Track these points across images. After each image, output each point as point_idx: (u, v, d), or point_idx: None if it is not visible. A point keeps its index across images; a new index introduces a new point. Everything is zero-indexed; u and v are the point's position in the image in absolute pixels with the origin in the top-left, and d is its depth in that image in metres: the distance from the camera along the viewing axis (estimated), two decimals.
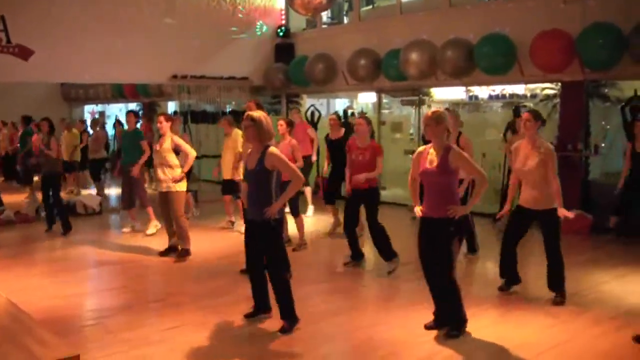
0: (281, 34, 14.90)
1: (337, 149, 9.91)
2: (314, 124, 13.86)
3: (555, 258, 6.54)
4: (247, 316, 6.06)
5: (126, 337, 5.72)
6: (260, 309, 6.07)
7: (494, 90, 13.70)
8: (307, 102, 15.58)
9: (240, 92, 15.69)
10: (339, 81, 13.62)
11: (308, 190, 12.02)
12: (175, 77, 13.58)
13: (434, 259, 5.55)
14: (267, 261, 5.81)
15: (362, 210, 8.02)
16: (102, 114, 22.22)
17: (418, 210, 5.70)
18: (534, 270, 7.45)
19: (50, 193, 10.25)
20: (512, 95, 13.24)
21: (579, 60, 9.75)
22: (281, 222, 5.76)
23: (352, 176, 7.75)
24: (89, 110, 23.34)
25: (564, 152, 10.03)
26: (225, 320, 6.07)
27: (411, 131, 13.17)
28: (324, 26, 15.13)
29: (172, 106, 19.63)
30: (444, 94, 14.62)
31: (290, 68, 14.36)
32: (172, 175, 8.45)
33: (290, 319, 5.79)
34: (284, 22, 15.05)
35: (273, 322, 5.96)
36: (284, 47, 14.89)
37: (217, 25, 13.90)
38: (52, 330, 5.65)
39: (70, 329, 6.01)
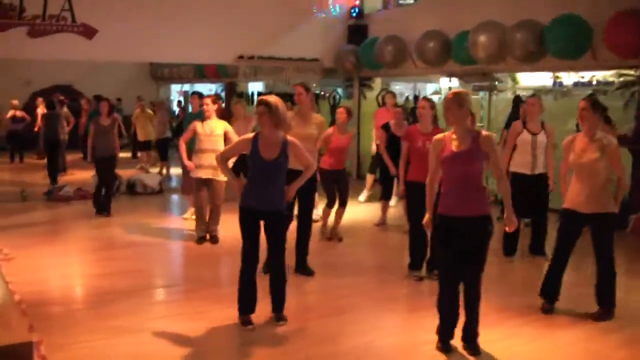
0: (354, 14, 14.38)
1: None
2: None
3: (608, 271, 5.71)
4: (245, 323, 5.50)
5: (114, 324, 5.56)
6: (253, 311, 5.61)
7: (582, 77, 12.64)
8: (382, 85, 15.01)
9: (312, 74, 15.38)
10: (409, 64, 12.96)
11: (370, 177, 11.62)
12: (241, 57, 13.38)
13: (467, 265, 4.85)
14: (273, 252, 5.53)
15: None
16: (186, 93, 22.50)
17: (428, 219, 5.04)
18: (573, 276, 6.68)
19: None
20: (598, 82, 12.16)
21: None
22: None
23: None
24: (177, 90, 23.75)
25: None
26: (224, 312, 5.73)
27: (481, 120, 12.31)
28: (401, 3, 14.48)
29: (252, 87, 19.62)
30: (530, 80, 13.70)
31: (361, 50, 13.82)
32: None
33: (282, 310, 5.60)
34: (357, 2, 14.52)
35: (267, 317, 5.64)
36: (356, 29, 14.37)
37: (286, 4, 13.53)
38: (43, 312, 5.73)
39: (62, 312, 5.91)
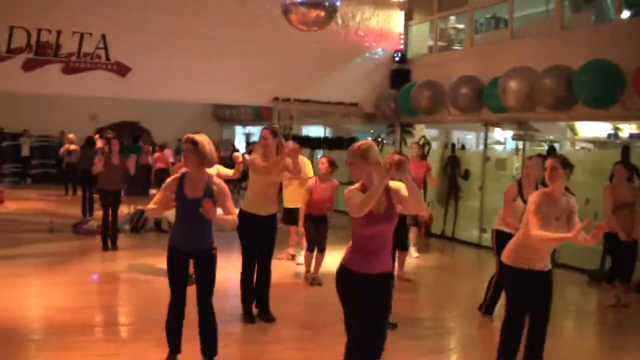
0: (397, 58, 14.12)
1: None
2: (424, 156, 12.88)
3: None
4: None
5: (50, 356, 5.43)
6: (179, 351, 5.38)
7: None
8: (425, 132, 14.57)
9: (355, 119, 15.21)
10: (445, 111, 12.52)
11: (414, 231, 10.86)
12: (276, 99, 13.33)
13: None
14: (202, 292, 5.29)
15: None
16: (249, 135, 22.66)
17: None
18: None
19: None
20: None
21: None
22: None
23: None
24: (244, 132, 24.01)
25: None
26: (161, 355, 5.47)
27: (514, 171, 11.64)
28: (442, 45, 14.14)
29: (310, 130, 19.54)
30: (589, 131, 12.98)
31: (399, 95, 13.51)
32: None
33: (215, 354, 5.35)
34: (402, 46, 14.26)
35: None
36: (399, 73, 14.09)
37: (326, 48, 13.42)
38: None
39: (6, 342, 5.83)
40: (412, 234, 10.41)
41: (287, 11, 7.18)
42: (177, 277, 5.26)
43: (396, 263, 8.06)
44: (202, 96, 12.98)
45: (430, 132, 15.19)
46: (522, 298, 5.13)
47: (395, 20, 14.27)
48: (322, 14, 7.01)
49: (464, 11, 13.31)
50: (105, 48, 11.76)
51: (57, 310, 6.94)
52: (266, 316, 6.70)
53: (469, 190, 12.61)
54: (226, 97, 13.44)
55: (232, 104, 16.19)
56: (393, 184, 4.44)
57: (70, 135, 17.14)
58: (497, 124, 12.15)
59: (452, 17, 14.17)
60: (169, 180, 5.37)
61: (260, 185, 6.69)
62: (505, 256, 5.22)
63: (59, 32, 11.38)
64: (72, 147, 16.71)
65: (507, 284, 5.42)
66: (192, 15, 12.24)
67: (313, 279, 8.53)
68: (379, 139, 15.51)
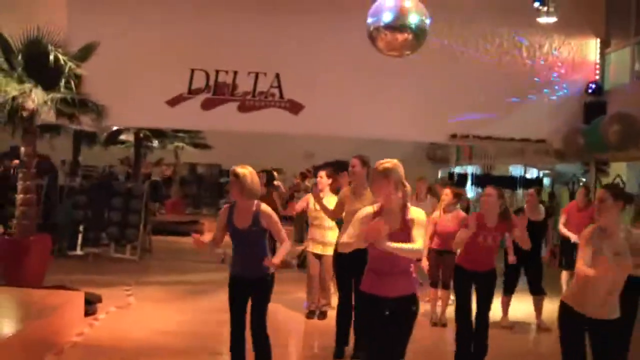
0: (591, 90, 12.75)
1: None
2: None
3: None
4: None
5: None
6: None
7: None
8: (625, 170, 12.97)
9: (548, 157, 14.03)
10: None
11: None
12: (454, 136, 12.77)
13: None
14: (257, 321, 5.44)
15: None
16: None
17: None
18: None
19: None
20: None
21: None
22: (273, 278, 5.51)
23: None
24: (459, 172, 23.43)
25: None
26: None
27: None
28: None
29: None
30: None
31: (588, 130, 12.14)
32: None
33: None
34: (597, 77, 12.87)
35: None
36: (594, 106, 12.69)
37: (509, 80, 12.61)
38: None
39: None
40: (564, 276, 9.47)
41: (373, 38, 6.88)
42: (234, 304, 5.52)
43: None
44: (375, 132, 12.87)
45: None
46: None
47: (589, 48, 12.95)
48: (410, 37, 6.59)
49: None
50: (279, 86, 12.31)
51: (149, 331, 7.41)
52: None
53: None
54: (401, 134, 13.14)
55: (406, 140, 15.77)
56: (414, 213, 4.39)
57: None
58: None
59: None
60: (221, 211, 5.73)
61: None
62: None
63: (235, 73, 12.19)
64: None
65: None
66: (363, 50, 12.28)
67: (440, 320, 8.21)
68: (574, 178, 14.19)
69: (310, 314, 8.39)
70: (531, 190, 8.87)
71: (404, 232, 4.23)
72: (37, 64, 9.08)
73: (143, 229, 12.37)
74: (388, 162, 4.45)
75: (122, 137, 16.55)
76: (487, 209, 6.14)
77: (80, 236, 12.01)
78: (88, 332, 7.07)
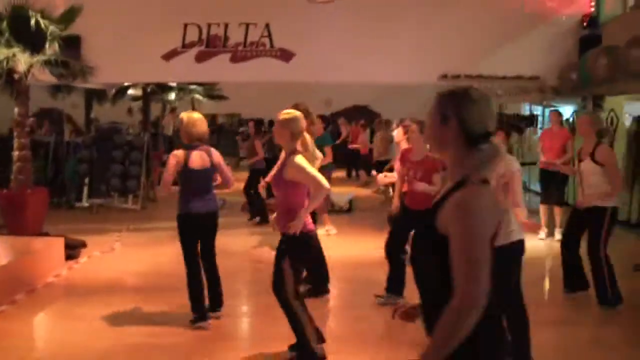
0: (587, 24, 12.56)
1: None
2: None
3: None
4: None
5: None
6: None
7: None
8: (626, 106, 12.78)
9: (542, 94, 13.96)
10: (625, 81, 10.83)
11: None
12: (444, 76, 12.82)
13: None
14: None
15: None
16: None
17: None
18: None
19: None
20: None
21: None
22: None
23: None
24: None
25: None
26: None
27: None
28: None
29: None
30: None
31: (580, 64, 12.02)
32: None
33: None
34: (592, 9, 12.65)
35: None
36: (589, 40, 12.50)
37: (500, 16, 12.49)
38: None
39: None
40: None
41: None
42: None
43: None
44: (370, 77, 12.96)
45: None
46: None
47: None
48: None
49: None
50: (270, 36, 12.53)
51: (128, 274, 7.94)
52: None
53: None
54: (390, 77, 13.22)
55: (397, 82, 15.71)
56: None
57: None
58: None
59: None
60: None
61: None
62: None
63: (226, 25, 12.46)
64: None
65: None
66: None
67: None
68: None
69: None
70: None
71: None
72: (23, 29, 9.58)
73: (145, 179, 12.96)
74: (287, 114, 4.89)
75: (131, 92, 17.04)
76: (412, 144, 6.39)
77: (85, 189, 12.68)
78: (65, 274, 7.72)
